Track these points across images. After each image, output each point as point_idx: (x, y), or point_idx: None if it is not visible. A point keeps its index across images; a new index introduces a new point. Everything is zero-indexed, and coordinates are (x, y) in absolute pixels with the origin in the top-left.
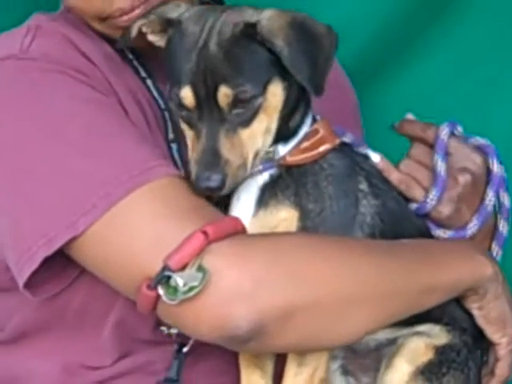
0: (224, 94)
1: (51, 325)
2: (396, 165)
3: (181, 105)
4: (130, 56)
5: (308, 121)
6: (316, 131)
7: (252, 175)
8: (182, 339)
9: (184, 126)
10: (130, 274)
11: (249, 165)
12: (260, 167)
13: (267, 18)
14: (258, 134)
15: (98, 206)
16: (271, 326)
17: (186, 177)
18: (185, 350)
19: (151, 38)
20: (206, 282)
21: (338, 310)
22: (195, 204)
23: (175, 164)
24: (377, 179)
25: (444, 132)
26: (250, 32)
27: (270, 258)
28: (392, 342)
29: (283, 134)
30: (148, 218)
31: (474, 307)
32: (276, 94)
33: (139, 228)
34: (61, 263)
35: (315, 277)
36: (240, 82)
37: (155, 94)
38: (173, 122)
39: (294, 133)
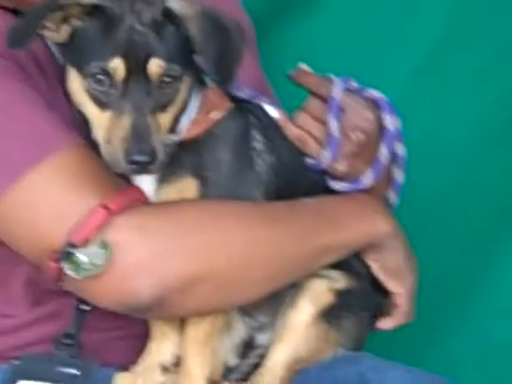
0: (157, 64)
1: None
2: (292, 117)
3: (100, 80)
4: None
5: (195, 94)
6: (206, 101)
7: None
8: None
9: (92, 109)
10: (35, 246)
11: (161, 151)
12: None
13: (180, 6)
14: (168, 122)
15: (3, 180)
16: (172, 297)
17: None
18: (88, 308)
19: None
20: (108, 259)
21: (234, 275)
22: (99, 175)
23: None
24: (273, 132)
25: (336, 90)
26: (167, 16)
27: (169, 230)
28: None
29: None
30: (52, 192)
31: (370, 259)
32: (186, 88)
33: (43, 201)
34: None
35: (211, 246)
36: (170, 59)
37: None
38: None
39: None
